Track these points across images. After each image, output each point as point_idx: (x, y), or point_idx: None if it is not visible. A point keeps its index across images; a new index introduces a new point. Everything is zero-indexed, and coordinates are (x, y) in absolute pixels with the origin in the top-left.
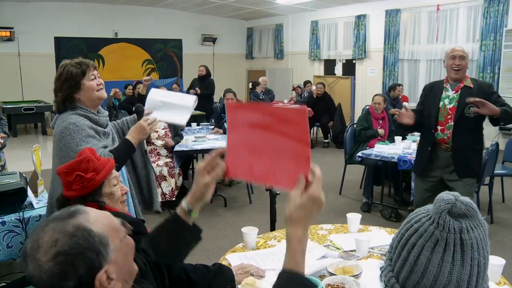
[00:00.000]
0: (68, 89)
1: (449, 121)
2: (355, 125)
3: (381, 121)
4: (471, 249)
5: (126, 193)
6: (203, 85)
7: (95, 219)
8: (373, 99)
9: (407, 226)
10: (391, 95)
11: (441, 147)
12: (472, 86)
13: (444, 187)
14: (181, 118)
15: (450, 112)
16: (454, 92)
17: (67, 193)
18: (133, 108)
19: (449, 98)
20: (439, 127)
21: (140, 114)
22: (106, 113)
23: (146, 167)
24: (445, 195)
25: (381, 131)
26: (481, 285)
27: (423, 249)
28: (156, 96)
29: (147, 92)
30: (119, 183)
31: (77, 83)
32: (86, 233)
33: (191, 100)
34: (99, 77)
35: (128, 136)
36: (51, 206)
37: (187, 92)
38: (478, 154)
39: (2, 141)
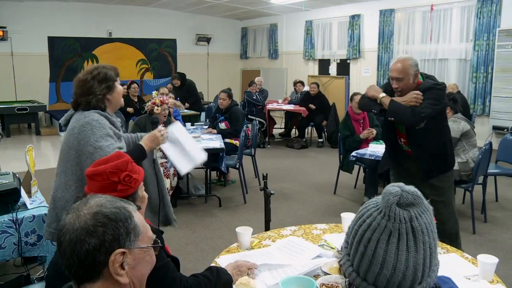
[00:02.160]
0: (105, 89)
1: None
2: None
3: (361, 121)
4: (422, 234)
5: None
6: (183, 93)
7: (139, 217)
8: (353, 99)
9: (360, 221)
10: None
11: (409, 156)
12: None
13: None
14: (184, 167)
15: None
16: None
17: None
18: (150, 120)
19: None
20: (402, 139)
21: (155, 125)
22: (119, 119)
23: (157, 183)
24: (391, 187)
25: (364, 134)
26: (434, 264)
27: (379, 242)
28: (176, 132)
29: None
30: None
31: (113, 84)
32: (128, 214)
33: (200, 157)
34: None
35: (142, 142)
36: (56, 199)
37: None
38: (441, 152)
39: None
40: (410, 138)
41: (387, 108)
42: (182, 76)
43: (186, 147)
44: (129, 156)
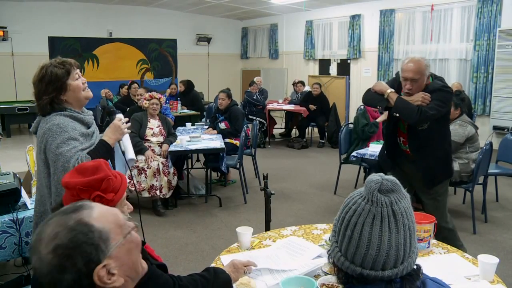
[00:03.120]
0: (53, 91)
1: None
2: (350, 125)
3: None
4: (402, 217)
5: (131, 211)
6: (187, 101)
7: (98, 214)
8: None
9: (346, 209)
10: None
11: (407, 156)
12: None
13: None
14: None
15: (404, 123)
16: None
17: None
18: (106, 111)
19: None
20: (401, 138)
21: (112, 114)
22: (91, 112)
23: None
24: (373, 176)
25: (381, 118)
26: (414, 245)
27: (364, 226)
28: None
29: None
30: (126, 201)
31: (63, 84)
32: (86, 228)
33: (129, 157)
34: (82, 76)
35: (104, 137)
36: (38, 214)
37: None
38: (443, 159)
39: None
40: (411, 141)
41: (393, 103)
42: (189, 84)
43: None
44: (91, 155)
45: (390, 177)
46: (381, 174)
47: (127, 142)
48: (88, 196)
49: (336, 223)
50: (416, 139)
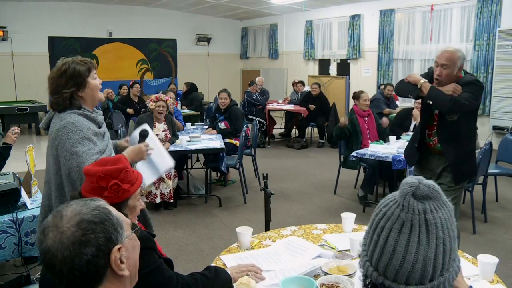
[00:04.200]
0: (73, 87)
1: (435, 128)
2: None
3: (366, 119)
4: (436, 229)
5: (143, 208)
6: (187, 101)
7: (112, 208)
8: (360, 97)
9: (377, 211)
10: (385, 94)
11: (430, 150)
12: None
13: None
14: (147, 178)
15: (436, 118)
16: None
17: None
18: (139, 132)
19: None
20: (427, 131)
21: (143, 138)
22: (101, 112)
23: None
24: (409, 179)
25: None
26: (449, 264)
27: (391, 231)
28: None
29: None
30: (139, 198)
31: (84, 80)
32: (106, 210)
33: (166, 165)
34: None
35: (124, 153)
36: (47, 208)
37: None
38: (470, 156)
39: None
40: (440, 131)
41: (426, 92)
42: (192, 86)
43: (152, 156)
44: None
45: (430, 181)
46: (420, 177)
47: (159, 153)
48: (106, 184)
49: (369, 224)
50: (445, 129)
